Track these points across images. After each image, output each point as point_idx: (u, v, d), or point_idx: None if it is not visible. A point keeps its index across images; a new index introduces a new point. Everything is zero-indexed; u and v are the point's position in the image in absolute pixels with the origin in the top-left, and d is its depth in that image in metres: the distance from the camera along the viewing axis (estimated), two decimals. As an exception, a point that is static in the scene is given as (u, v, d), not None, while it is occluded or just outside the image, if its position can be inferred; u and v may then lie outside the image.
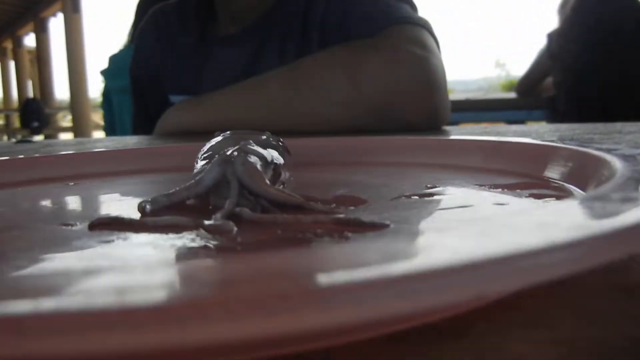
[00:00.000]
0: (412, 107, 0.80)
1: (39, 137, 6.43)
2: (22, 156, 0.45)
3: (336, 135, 0.56)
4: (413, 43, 0.82)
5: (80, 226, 0.25)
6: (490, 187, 0.30)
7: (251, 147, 0.30)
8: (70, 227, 0.25)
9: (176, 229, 0.23)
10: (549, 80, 2.29)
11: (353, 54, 0.83)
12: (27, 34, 10.48)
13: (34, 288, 0.11)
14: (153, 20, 1.08)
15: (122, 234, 0.23)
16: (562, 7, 2.91)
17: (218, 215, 0.24)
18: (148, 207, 0.27)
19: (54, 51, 9.18)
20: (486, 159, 0.36)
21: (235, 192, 0.27)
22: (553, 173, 0.31)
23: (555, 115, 2.30)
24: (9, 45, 11.34)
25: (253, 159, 0.29)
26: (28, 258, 0.20)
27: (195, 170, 0.31)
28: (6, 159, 0.44)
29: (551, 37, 2.23)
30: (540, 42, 2.38)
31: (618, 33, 2.00)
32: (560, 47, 2.11)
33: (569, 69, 2.09)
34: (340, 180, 0.36)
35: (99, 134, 7.22)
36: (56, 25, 9.87)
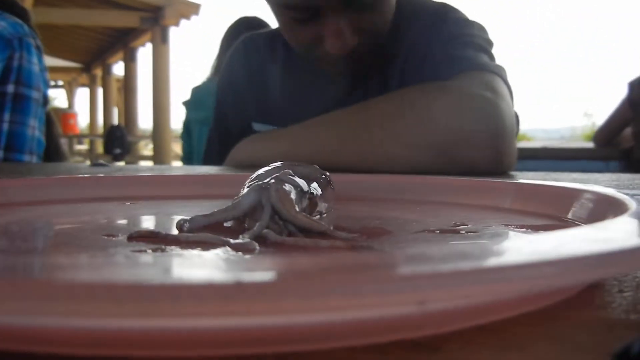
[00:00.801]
0: (477, 150, 0.79)
1: (120, 164, 6.63)
2: (87, 175, 0.48)
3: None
4: (483, 87, 0.83)
5: (121, 237, 0.27)
6: (515, 227, 0.31)
7: (289, 176, 0.32)
8: (112, 237, 0.28)
9: (205, 245, 0.25)
10: (628, 130, 2.24)
11: (423, 95, 0.84)
12: (116, 62, 10.90)
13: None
14: (242, 48, 1.12)
15: (155, 246, 0.25)
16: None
17: (245, 235, 0.26)
18: (186, 225, 0.29)
19: (140, 80, 9.52)
20: (520, 201, 0.37)
21: (266, 216, 0.29)
22: (581, 214, 0.32)
23: (632, 166, 2.24)
24: (98, 72, 11.82)
25: (287, 187, 0.31)
26: (63, 256, 0.22)
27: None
28: (73, 177, 0.48)
29: (632, 85, 2.19)
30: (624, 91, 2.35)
31: None
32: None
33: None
34: (376, 214, 0.38)
35: (177, 164, 7.41)
36: (144, 55, 10.22)
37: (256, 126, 1.04)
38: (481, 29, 1.00)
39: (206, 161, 1.14)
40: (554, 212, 0.34)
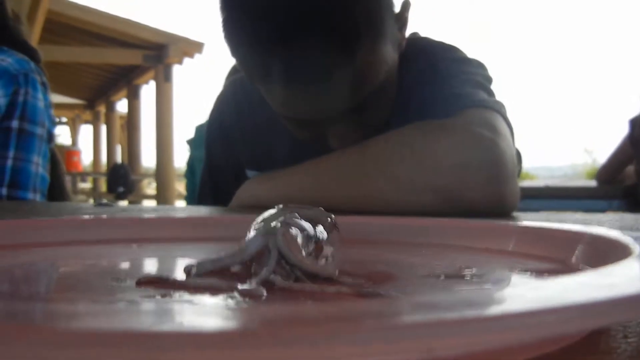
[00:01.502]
0: (478, 192, 0.78)
1: (123, 203, 6.64)
2: (92, 216, 0.48)
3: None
4: (482, 125, 0.82)
5: (129, 282, 0.28)
6: (519, 271, 0.32)
7: (295, 220, 0.32)
8: (119, 281, 0.28)
9: (213, 290, 0.26)
10: (631, 168, 2.24)
11: (422, 136, 0.83)
12: (120, 99, 10.97)
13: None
14: (232, 91, 1.09)
15: (163, 291, 0.25)
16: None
17: (253, 280, 0.27)
18: (193, 270, 0.29)
19: (143, 118, 9.57)
20: (523, 244, 0.37)
21: (273, 261, 0.29)
22: (585, 258, 0.32)
23: (636, 204, 2.24)
24: (102, 109, 11.90)
25: (294, 230, 0.31)
26: (69, 301, 0.23)
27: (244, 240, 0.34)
28: (79, 218, 0.48)
29: (634, 123, 2.19)
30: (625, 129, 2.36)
31: None
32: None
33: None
34: (382, 257, 0.38)
35: (181, 203, 7.41)
36: (148, 92, 10.28)
37: (250, 173, 1.02)
38: (479, 65, 1.00)
39: (200, 202, 1.13)
40: (557, 255, 0.34)
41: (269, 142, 1.03)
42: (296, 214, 0.34)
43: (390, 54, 0.88)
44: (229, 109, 1.08)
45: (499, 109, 0.88)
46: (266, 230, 0.31)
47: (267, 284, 0.27)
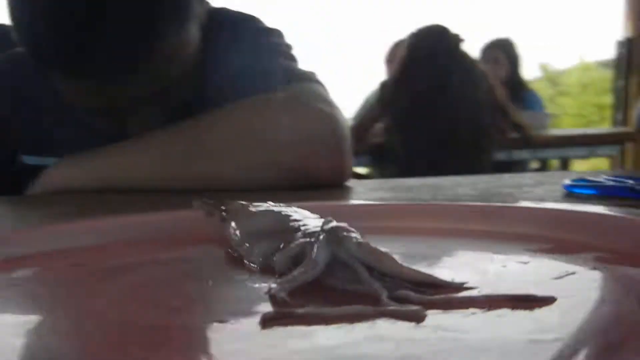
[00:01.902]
0: (324, 164, 0.80)
1: None
2: None
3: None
4: (319, 100, 0.83)
5: (246, 324, 0.24)
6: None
7: (341, 224, 0.30)
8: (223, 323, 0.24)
9: (359, 317, 0.23)
10: (379, 126, 2.39)
11: (259, 112, 0.81)
12: None
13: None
14: (9, 69, 0.95)
15: (301, 328, 0.22)
16: (390, 59, 3.08)
17: (389, 301, 0.24)
18: (282, 294, 0.26)
19: None
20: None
21: (365, 275, 0.27)
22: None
23: (381, 161, 2.41)
24: None
25: (354, 235, 0.29)
26: None
27: (282, 247, 0.31)
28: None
29: (384, 86, 2.34)
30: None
31: (445, 89, 2.13)
32: (392, 97, 2.22)
33: (400, 120, 2.20)
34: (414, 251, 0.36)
35: None
36: None
37: (27, 159, 0.91)
38: (280, 34, 0.99)
39: None
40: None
41: (53, 127, 0.91)
42: (330, 218, 0.31)
43: (195, 33, 0.84)
44: (3, 90, 0.94)
45: (319, 80, 0.90)
46: (329, 239, 0.28)
47: (400, 300, 0.24)
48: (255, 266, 0.32)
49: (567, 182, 0.64)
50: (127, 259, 0.37)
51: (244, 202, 0.43)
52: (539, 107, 3.77)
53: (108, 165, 0.82)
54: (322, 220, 0.31)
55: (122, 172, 0.81)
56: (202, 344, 0.22)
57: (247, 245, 0.34)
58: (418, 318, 0.23)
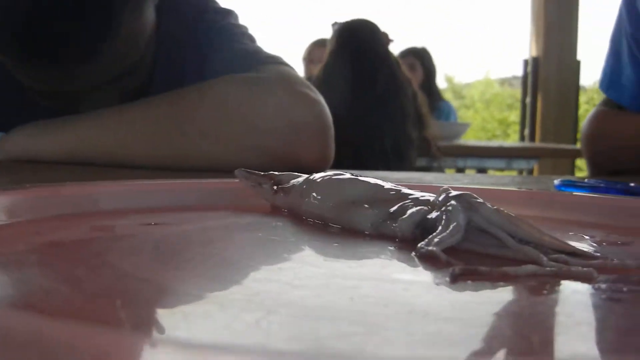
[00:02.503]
0: (310, 149, 0.80)
1: None
2: None
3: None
4: (303, 85, 0.83)
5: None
6: None
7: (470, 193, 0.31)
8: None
9: (537, 277, 0.24)
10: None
11: (242, 92, 0.79)
12: None
13: None
14: None
15: (486, 285, 0.23)
16: (309, 58, 3.08)
17: (551, 263, 0.25)
18: (440, 254, 0.26)
19: None
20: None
21: (511, 240, 0.28)
22: None
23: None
24: None
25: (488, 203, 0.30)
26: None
27: (394, 214, 0.32)
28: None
29: (311, 82, 2.32)
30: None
31: (370, 91, 2.11)
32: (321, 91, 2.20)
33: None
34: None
35: None
36: None
37: None
38: (236, 15, 0.98)
39: None
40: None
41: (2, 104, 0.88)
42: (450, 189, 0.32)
43: (152, 15, 0.83)
44: None
45: (288, 64, 0.89)
46: (464, 206, 0.29)
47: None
48: (367, 232, 0.33)
49: (557, 182, 0.67)
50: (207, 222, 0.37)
51: (296, 173, 0.43)
52: (453, 117, 3.89)
53: (78, 137, 0.79)
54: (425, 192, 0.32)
55: (94, 146, 0.78)
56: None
57: (343, 213, 0.35)
58: (592, 278, 0.24)
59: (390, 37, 2.25)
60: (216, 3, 0.95)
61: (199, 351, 0.11)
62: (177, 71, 0.89)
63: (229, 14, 0.94)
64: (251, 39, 0.92)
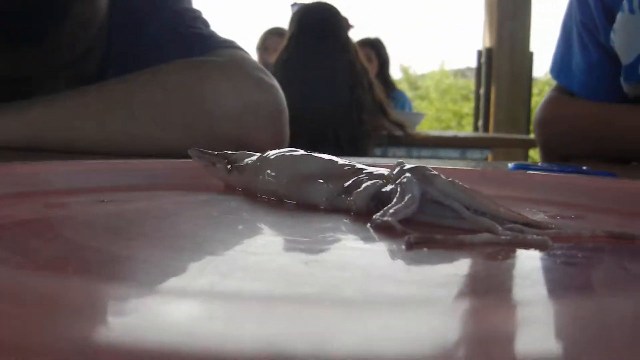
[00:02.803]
0: (266, 134, 0.79)
1: None
2: None
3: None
4: (258, 69, 0.82)
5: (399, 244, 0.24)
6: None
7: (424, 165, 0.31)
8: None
9: (493, 245, 0.24)
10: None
11: (197, 77, 0.79)
12: None
13: None
14: None
15: (442, 252, 0.23)
16: (262, 46, 3.06)
17: (506, 232, 0.26)
18: (395, 223, 0.26)
19: None
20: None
21: (466, 212, 0.28)
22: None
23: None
24: None
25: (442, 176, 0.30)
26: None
27: (348, 188, 0.32)
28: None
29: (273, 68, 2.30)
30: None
31: (330, 77, 2.10)
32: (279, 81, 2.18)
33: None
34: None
35: None
36: None
37: None
38: (191, 1, 0.96)
39: None
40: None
41: None
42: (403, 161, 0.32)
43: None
44: None
45: (242, 48, 0.88)
46: (418, 179, 0.29)
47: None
48: (322, 207, 0.33)
49: (511, 165, 0.67)
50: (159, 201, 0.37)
51: (250, 152, 0.43)
52: (408, 107, 3.91)
53: (28, 120, 0.77)
54: (379, 164, 0.32)
55: (44, 131, 0.76)
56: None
57: (297, 188, 0.35)
58: (547, 246, 0.24)
59: (350, 22, 2.23)
60: None
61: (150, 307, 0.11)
62: (131, 56, 0.87)
63: None
64: (205, 24, 0.91)
